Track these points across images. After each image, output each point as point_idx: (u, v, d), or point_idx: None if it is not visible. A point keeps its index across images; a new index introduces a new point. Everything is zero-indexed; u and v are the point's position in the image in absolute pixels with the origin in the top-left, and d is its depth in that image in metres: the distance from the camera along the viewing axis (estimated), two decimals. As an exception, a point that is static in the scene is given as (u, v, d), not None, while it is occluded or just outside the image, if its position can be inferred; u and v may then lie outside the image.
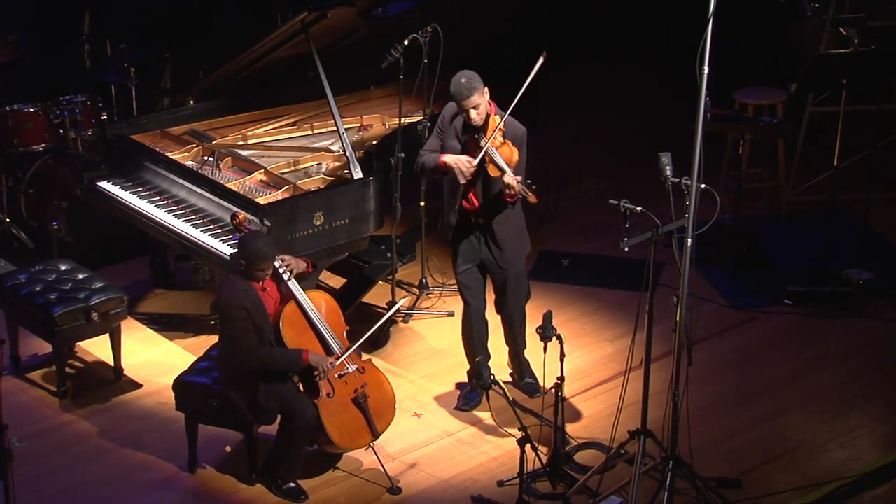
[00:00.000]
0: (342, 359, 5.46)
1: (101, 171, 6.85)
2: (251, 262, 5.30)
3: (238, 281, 5.33)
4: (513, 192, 5.54)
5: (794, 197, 8.04)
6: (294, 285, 5.47)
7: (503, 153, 5.59)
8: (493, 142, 5.58)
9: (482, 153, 5.58)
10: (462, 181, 5.68)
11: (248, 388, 5.37)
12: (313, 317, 5.48)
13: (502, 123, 5.63)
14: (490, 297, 6.05)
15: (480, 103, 5.58)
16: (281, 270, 5.44)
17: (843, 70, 6.99)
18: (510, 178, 5.53)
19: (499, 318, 6.09)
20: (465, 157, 5.64)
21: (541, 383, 6.06)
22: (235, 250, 6.00)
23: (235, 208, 6.17)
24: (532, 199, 5.57)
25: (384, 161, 6.61)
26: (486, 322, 6.07)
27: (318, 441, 5.52)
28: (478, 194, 5.76)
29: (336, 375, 5.49)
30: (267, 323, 5.34)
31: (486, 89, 5.60)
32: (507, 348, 6.20)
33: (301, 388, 5.51)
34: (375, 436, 5.60)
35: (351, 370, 5.54)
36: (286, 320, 5.41)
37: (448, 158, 5.68)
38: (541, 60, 5.61)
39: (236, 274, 5.37)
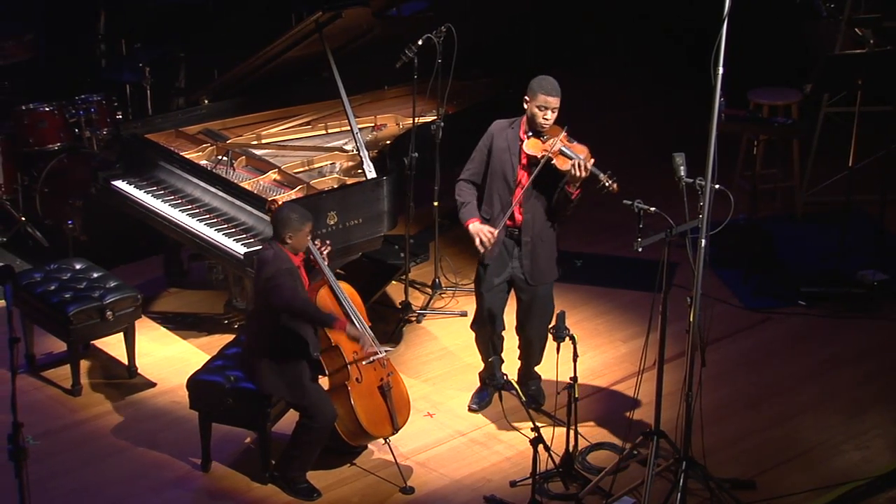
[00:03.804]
0: (373, 342, 5.51)
1: (116, 170, 6.87)
2: (297, 227, 5.33)
3: (279, 251, 5.36)
4: (580, 178, 5.48)
5: (809, 197, 8.02)
6: (326, 269, 5.52)
7: (577, 150, 5.61)
8: (562, 140, 5.60)
9: (553, 148, 5.57)
10: (482, 251, 5.69)
11: (282, 365, 5.38)
12: (344, 302, 5.53)
13: (567, 129, 5.66)
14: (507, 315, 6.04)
15: (558, 107, 5.63)
16: (314, 250, 5.50)
17: (858, 70, 6.98)
18: (581, 160, 5.49)
19: (517, 339, 6.08)
20: (486, 228, 5.66)
21: (551, 386, 6.08)
22: (257, 247, 6.04)
23: (249, 207, 6.19)
24: (615, 188, 5.52)
25: (398, 161, 6.62)
26: (502, 338, 6.06)
27: (344, 429, 5.52)
28: (524, 208, 5.73)
29: (364, 362, 5.52)
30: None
31: None
32: (517, 363, 6.16)
33: (327, 389, 5.53)
34: (396, 428, 5.63)
35: (381, 355, 5.58)
36: (321, 300, 5.49)
37: (472, 227, 5.70)
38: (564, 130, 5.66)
39: (276, 250, 5.38)
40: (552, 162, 5.60)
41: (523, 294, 5.90)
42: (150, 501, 5.57)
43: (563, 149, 5.60)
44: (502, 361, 6.11)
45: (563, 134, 5.66)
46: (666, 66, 9.71)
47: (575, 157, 5.54)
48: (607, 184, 5.51)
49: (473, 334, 6.10)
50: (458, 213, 5.84)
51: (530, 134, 5.68)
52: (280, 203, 5.70)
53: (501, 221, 5.71)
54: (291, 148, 6.92)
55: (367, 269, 7.01)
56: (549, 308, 5.93)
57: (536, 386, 6.15)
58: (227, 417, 5.63)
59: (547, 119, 5.62)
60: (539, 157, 5.61)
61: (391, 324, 6.80)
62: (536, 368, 6.16)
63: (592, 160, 5.58)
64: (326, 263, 5.57)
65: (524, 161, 5.70)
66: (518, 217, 5.76)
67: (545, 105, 5.60)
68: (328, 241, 5.67)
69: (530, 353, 6.07)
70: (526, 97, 5.66)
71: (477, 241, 5.71)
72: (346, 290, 5.63)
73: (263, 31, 7.98)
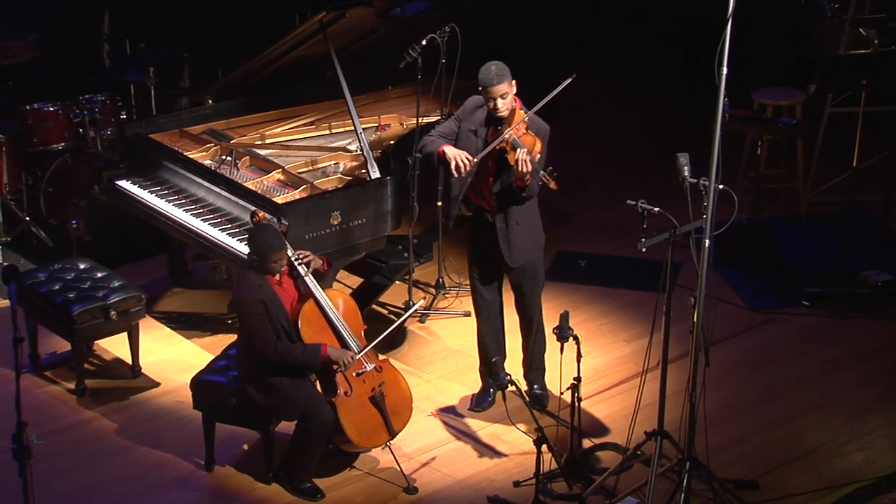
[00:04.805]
0: (360, 356, 5.48)
1: (120, 170, 6.87)
2: (262, 255, 5.33)
3: (253, 276, 5.35)
4: (525, 173, 5.48)
5: (813, 198, 8.01)
6: (311, 281, 5.48)
7: (525, 142, 5.58)
8: (515, 131, 5.57)
9: (502, 138, 5.56)
10: (455, 176, 5.65)
11: (271, 383, 5.38)
12: (331, 315, 5.49)
13: (527, 117, 5.63)
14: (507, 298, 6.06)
15: (508, 92, 5.58)
16: (297, 263, 5.46)
17: (863, 70, 6.97)
18: (524, 154, 5.47)
19: (517, 319, 6.09)
20: (465, 154, 5.63)
21: (550, 390, 6.07)
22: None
23: (253, 207, 6.18)
24: (553, 185, 5.53)
25: (401, 161, 6.62)
26: (502, 323, 6.07)
27: (336, 439, 5.53)
28: (493, 193, 5.76)
29: (354, 374, 5.50)
30: (284, 318, 5.36)
31: (514, 82, 5.60)
32: (521, 355, 6.18)
33: (319, 389, 5.52)
34: (392, 435, 5.61)
35: (369, 369, 5.56)
36: (304, 318, 5.42)
37: (448, 150, 5.66)
38: (569, 80, 5.60)
39: (251, 270, 5.39)
40: (505, 155, 5.60)
41: (511, 274, 5.93)
42: (154, 501, 5.58)
43: (515, 140, 5.57)
44: (505, 358, 6.10)
45: (522, 123, 5.61)
46: (668, 66, 9.70)
47: (520, 153, 5.51)
48: (545, 180, 5.53)
49: (476, 333, 6.10)
50: (424, 151, 5.78)
51: (493, 121, 5.66)
52: (262, 216, 5.67)
53: (458, 200, 5.76)
54: (295, 148, 6.91)
55: (370, 269, 7.00)
56: (539, 278, 5.96)
57: (542, 388, 6.14)
58: (231, 417, 5.63)
59: (497, 109, 5.59)
60: (495, 147, 5.61)
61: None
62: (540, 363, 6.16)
63: (538, 156, 5.56)
64: (310, 271, 5.51)
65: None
66: (491, 202, 5.77)
67: (489, 95, 5.58)
68: (307, 251, 5.56)
69: (530, 337, 6.06)
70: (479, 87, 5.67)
71: (453, 165, 5.62)
72: (337, 298, 5.57)
73: (267, 31, 7.97)
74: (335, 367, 5.39)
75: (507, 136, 5.57)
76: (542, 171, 5.53)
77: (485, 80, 5.57)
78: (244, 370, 5.47)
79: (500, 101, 5.58)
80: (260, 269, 5.36)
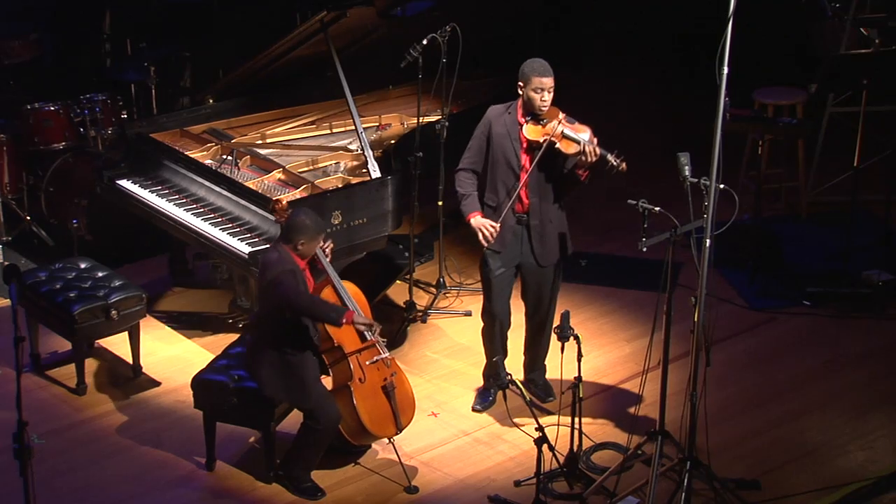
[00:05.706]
0: (377, 344, 5.51)
1: (121, 169, 6.88)
2: (311, 238, 5.35)
3: (284, 253, 5.37)
4: (591, 159, 5.50)
5: (814, 197, 8.01)
6: (330, 268, 5.52)
7: (576, 129, 5.61)
8: (562, 122, 5.59)
9: (556, 129, 5.57)
10: (484, 244, 5.71)
11: (289, 361, 5.38)
12: (347, 302, 5.52)
13: (561, 114, 5.67)
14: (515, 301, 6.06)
15: (553, 87, 5.61)
16: (318, 251, 5.50)
17: (864, 70, 6.97)
18: (590, 145, 5.51)
19: (524, 322, 6.09)
20: (488, 222, 5.68)
21: (555, 386, 6.08)
22: (262, 246, 6.05)
23: (254, 207, 6.20)
24: (624, 167, 5.52)
25: (402, 160, 6.62)
26: (510, 324, 6.06)
27: (347, 428, 5.52)
28: (530, 192, 5.74)
29: (367, 362, 5.53)
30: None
31: None
32: (523, 357, 6.17)
33: (330, 388, 5.53)
34: (399, 429, 5.62)
35: (383, 356, 5.58)
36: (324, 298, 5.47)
37: (474, 221, 5.72)
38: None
39: (281, 249, 5.40)
40: (556, 146, 5.60)
41: (533, 276, 5.90)
42: (155, 500, 5.58)
43: (566, 131, 5.59)
44: (506, 356, 6.09)
45: (562, 115, 5.64)
46: (670, 65, 9.70)
47: (582, 141, 5.53)
48: (615, 163, 5.52)
49: (479, 333, 6.10)
50: (458, 206, 5.84)
51: (528, 118, 5.67)
52: (285, 204, 5.69)
53: (506, 208, 5.71)
54: (296, 147, 6.92)
55: (371, 268, 7.01)
56: (558, 285, 5.97)
57: (543, 380, 6.15)
58: (232, 416, 5.63)
59: (545, 101, 5.61)
60: (541, 141, 5.61)
61: (395, 323, 6.81)
62: (543, 362, 6.16)
63: (596, 139, 5.57)
64: (329, 261, 5.57)
65: (525, 145, 5.69)
66: (525, 201, 5.76)
67: (541, 87, 5.59)
68: (330, 240, 5.66)
69: (541, 340, 6.06)
70: (520, 82, 5.65)
71: (480, 236, 5.72)
72: (350, 289, 5.63)
73: (268, 30, 7.98)
74: (362, 328, 5.41)
75: (556, 129, 5.57)
76: (609, 155, 5.52)
77: (540, 72, 5.58)
78: (258, 352, 5.43)
79: (547, 95, 5.61)
80: (301, 252, 5.37)
